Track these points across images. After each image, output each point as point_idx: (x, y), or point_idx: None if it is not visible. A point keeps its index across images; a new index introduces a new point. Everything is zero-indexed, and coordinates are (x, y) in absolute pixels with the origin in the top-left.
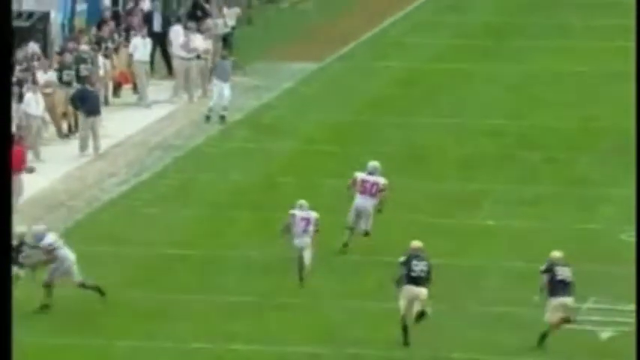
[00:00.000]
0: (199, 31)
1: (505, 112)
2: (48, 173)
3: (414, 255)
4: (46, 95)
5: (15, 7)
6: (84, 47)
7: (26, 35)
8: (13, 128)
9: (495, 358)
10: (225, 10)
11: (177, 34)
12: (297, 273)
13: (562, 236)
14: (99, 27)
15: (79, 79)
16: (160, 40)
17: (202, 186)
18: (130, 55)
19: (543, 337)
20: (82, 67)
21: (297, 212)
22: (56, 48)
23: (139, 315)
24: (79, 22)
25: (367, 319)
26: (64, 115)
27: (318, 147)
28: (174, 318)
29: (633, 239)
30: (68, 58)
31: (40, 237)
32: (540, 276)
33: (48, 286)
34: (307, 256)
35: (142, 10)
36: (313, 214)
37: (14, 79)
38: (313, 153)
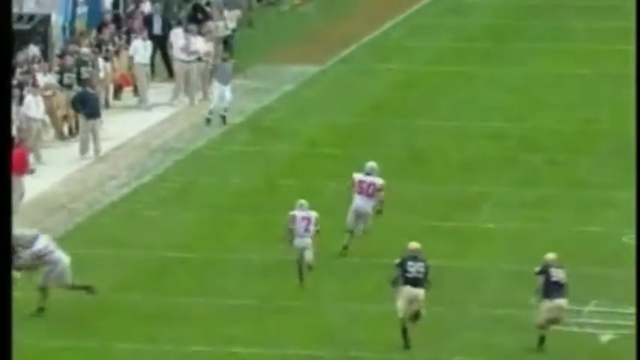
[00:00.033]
0: (200, 33)
1: (506, 115)
2: (48, 176)
3: (409, 256)
4: (46, 98)
5: (16, 9)
6: (85, 50)
7: (27, 38)
8: (14, 131)
9: None
10: (225, 12)
11: (177, 36)
12: (297, 275)
13: (563, 239)
14: (99, 30)
15: (80, 81)
16: (160, 43)
17: (203, 189)
18: (131, 58)
19: (542, 339)
20: (83, 69)
21: (298, 212)
22: (57, 51)
23: (139, 318)
24: (80, 24)
25: (367, 322)
26: (65, 117)
27: (319, 150)
28: (175, 321)
29: (634, 242)
30: (69, 60)
31: (30, 242)
32: (536, 278)
33: (43, 289)
34: (309, 256)
35: (142, 12)
36: (313, 214)
37: (15, 82)
38: (314, 156)
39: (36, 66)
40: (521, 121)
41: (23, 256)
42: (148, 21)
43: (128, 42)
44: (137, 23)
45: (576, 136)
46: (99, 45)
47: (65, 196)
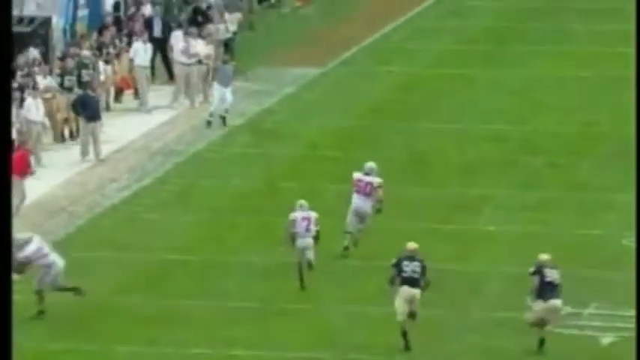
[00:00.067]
0: (201, 36)
1: (507, 117)
2: (49, 179)
3: (406, 256)
4: (45, 100)
5: (17, 12)
6: (85, 52)
7: (28, 41)
8: (14, 134)
9: None
10: (226, 15)
11: (177, 39)
12: (298, 278)
13: (563, 241)
14: (100, 32)
15: (81, 84)
16: (161, 46)
17: (203, 191)
18: (131, 60)
19: (542, 341)
20: (84, 72)
21: (298, 214)
22: (58, 53)
23: (140, 320)
24: (81, 27)
25: (368, 324)
26: (66, 120)
27: (319, 152)
28: (175, 323)
29: (634, 244)
30: (70, 63)
31: (23, 246)
32: (530, 278)
33: (38, 292)
34: (310, 255)
35: (143, 15)
36: (313, 214)
37: (16, 85)
38: (315, 158)
39: (36, 69)
40: (522, 124)
41: (15, 258)
42: (148, 23)
43: (129, 45)
44: (138, 26)
45: (577, 139)
46: (100, 48)
47: (65, 198)
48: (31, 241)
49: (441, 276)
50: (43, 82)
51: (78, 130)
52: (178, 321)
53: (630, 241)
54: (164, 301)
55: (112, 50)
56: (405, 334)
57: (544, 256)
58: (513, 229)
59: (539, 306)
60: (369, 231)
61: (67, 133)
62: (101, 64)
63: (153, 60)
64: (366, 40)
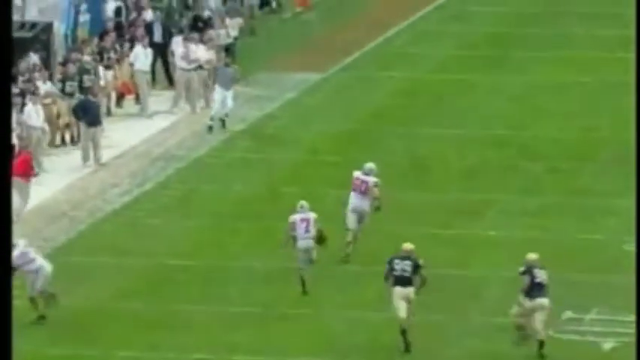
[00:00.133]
0: (202, 41)
1: (507, 123)
2: (50, 184)
3: (398, 255)
4: (45, 106)
5: (18, 17)
6: (87, 58)
7: (29, 46)
8: (14, 139)
9: None
10: (227, 20)
11: (178, 44)
12: (299, 283)
13: (564, 246)
14: (101, 38)
15: (82, 89)
16: (161, 51)
17: (205, 197)
18: (131, 65)
19: (541, 344)
20: (85, 77)
21: (297, 216)
22: (59, 58)
23: (141, 325)
24: (82, 32)
25: (368, 329)
26: (67, 125)
27: (320, 157)
28: (176, 329)
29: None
30: (71, 68)
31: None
32: (520, 278)
33: (32, 299)
34: (312, 256)
35: (144, 20)
36: (312, 215)
37: (17, 90)
38: (316, 163)
39: (37, 74)
40: (523, 129)
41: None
42: (149, 29)
43: (131, 50)
44: (139, 31)
45: (577, 144)
46: (101, 53)
47: (67, 203)
48: (15, 246)
49: (441, 281)
50: (43, 87)
51: (79, 135)
52: (179, 326)
53: (631, 246)
54: (165, 307)
55: (113, 55)
56: (404, 332)
57: (532, 256)
58: (514, 234)
59: (526, 304)
60: (370, 236)
61: (67, 138)
62: (102, 70)
63: (153, 65)
64: (367, 46)
